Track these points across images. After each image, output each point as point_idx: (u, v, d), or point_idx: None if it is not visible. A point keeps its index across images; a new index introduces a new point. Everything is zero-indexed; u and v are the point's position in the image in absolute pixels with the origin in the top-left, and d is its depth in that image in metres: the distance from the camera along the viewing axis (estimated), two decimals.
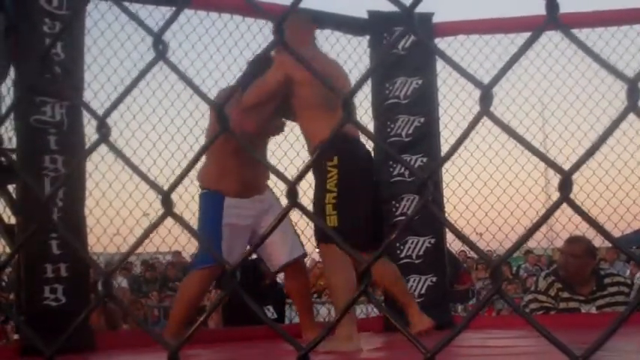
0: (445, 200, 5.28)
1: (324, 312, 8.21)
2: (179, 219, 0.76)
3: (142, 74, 0.79)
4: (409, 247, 4.87)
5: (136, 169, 0.79)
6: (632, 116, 0.66)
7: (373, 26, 5.17)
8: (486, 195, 5.48)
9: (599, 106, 5.28)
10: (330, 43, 5.16)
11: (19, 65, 3.98)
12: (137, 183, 4.85)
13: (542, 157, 0.67)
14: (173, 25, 3.27)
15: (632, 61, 5.17)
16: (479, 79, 0.67)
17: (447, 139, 5.29)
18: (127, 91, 0.82)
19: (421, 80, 5.09)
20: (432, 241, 4.91)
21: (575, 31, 4.13)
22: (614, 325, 0.65)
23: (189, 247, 6.14)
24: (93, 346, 3.82)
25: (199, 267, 3.91)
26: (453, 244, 5.63)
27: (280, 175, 0.73)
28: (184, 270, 11.65)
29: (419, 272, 4.87)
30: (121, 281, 9.94)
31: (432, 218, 4.83)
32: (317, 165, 3.42)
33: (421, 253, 4.89)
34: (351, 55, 5.24)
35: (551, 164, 0.66)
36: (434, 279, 4.90)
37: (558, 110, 5.46)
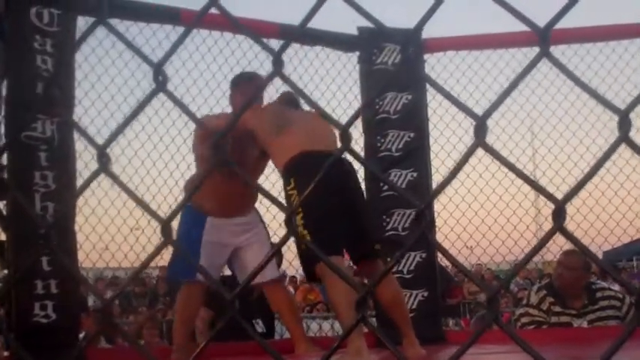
0: (436, 214, 5.29)
1: (315, 327, 8.19)
2: (179, 248, 0.77)
3: (142, 105, 0.80)
4: (400, 262, 4.87)
5: (135, 197, 0.80)
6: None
7: (363, 42, 5.19)
8: (477, 209, 5.49)
9: (587, 134, 5.33)
10: (321, 59, 5.19)
11: (10, 81, 3.98)
12: (125, 200, 4.87)
13: (536, 187, 0.69)
14: (163, 43, 3.25)
15: (620, 76, 5.21)
16: (474, 111, 0.69)
17: (437, 153, 5.31)
18: (127, 122, 0.83)
19: (411, 95, 5.10)
20: (423, 255, 4.90)
21: (563, 47, 4.16)
22: (614, 347, 0.66)
23: None
24: None
25: (185, 280, 4.04)
26: (444, 258, 5.61)
27: (278, 204, 0.74)
28: (170, 284, 11.63)
29: (410, 287, 4.86)
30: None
31: (422, 234, 4.83)
32: (286, 197, 3.63)
33: (412, 267, 4.89)
34: (340, 72, 5.26)
35: (544, 193, 0.67)
36: (425, 294, 4.89)
37: (547, 137, 5.52)
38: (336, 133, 3.29)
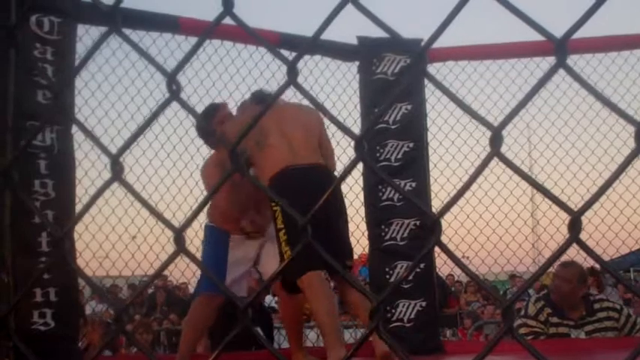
0: None
1: (313, 336, 8.17)
2: (192, 257, 0.77)
3: (156, 114, 0.80)
4: (398, 273, 4.87)
5: (149, 206, 0.80)
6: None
7: (362, 52, 5.19)
8: (475, 220, 5.49)
9: (586, 145, 5.34)
10: (320, 68, 5.20)
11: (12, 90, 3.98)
12: (126, 208, 4.88)
13: (551, 197, 0.69)
14: (164, 51, 3.24)
15: (619, 88, 5.22)
16: (489, 121, 0.69)
17: (435, 164, 5.31)
18: (141, 130, 0.83)
19: (410, 105, 5.10)
20: (422, 265, 4.89)
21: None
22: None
23: (176, 272, 6.13)
24: None
25: (204, 292, 4.11)
26: (442, 268, 5.61)
27: (293, 213, 0.74)
28: (169, 294, 11.60)
29: (408, 297, 4.86)
30: (109, 305, 9.86)
31: (421, 243, 4.84)
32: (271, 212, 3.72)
33: (410, 277, 4.88)
34: (340, 81, 5.27)
35: (560, 204, 0.67)
36: (423, 304, 4.89)
37: (546, 148, 5.52)
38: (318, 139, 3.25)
